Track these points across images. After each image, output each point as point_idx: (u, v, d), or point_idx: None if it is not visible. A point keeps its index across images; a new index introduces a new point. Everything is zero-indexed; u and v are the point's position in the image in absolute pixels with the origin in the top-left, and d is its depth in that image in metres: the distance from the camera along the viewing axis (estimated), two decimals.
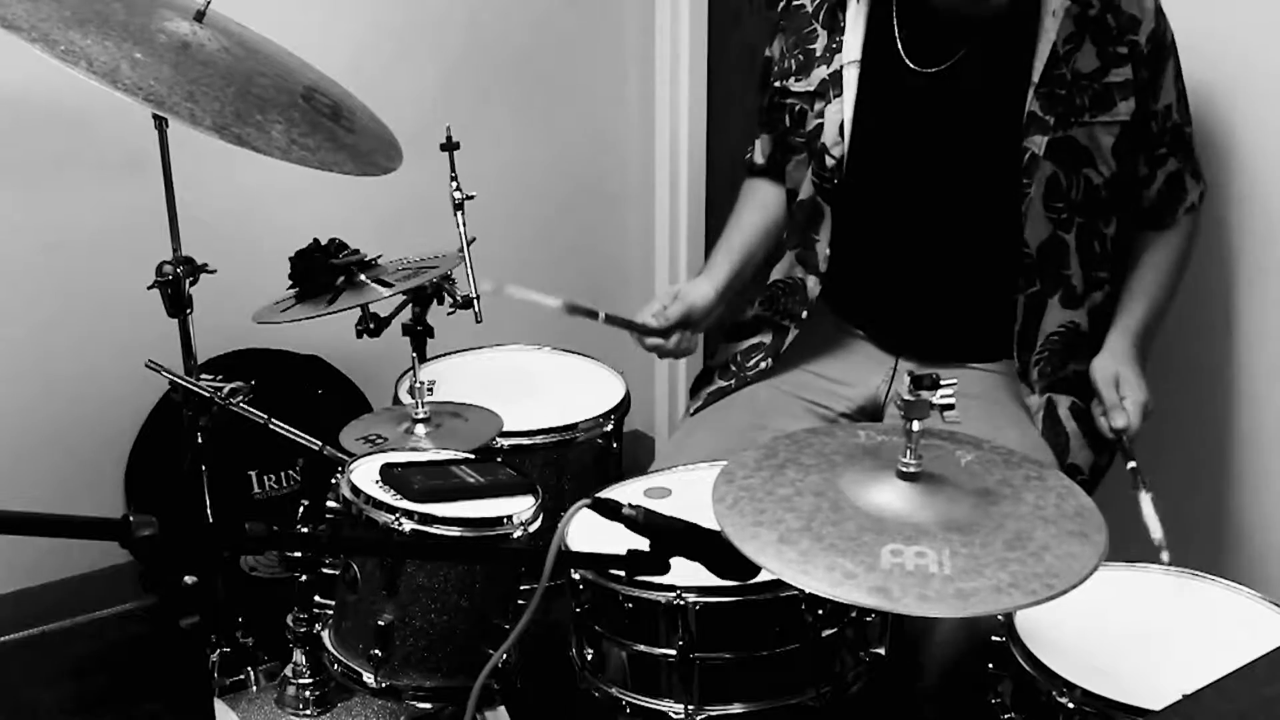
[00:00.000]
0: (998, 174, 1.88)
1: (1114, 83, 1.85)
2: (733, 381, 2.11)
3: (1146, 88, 1.87)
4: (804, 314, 2.07)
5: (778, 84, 2.06)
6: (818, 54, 1.99)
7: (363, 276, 1.92)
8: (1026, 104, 1.84)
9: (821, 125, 1.97)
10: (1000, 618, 1.58)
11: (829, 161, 1.97)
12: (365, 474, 1.72)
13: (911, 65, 1.91)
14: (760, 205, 2.19)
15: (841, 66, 1.95)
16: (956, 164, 1.91)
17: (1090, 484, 1.93)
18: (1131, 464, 1.79)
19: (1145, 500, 1.73)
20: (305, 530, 1.74)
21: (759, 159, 2.20)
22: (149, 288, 1.96)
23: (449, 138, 2.02)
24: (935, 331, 2.01)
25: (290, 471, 2.64)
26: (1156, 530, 1.70)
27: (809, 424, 2.01)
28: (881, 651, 1.66)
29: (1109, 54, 1.84)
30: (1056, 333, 1.93)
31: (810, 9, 2.02)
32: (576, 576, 1.64)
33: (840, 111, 1.95)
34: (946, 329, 2.00)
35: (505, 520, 1.65)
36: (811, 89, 1.99)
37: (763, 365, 2.09)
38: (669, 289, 2.09)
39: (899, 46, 1.92)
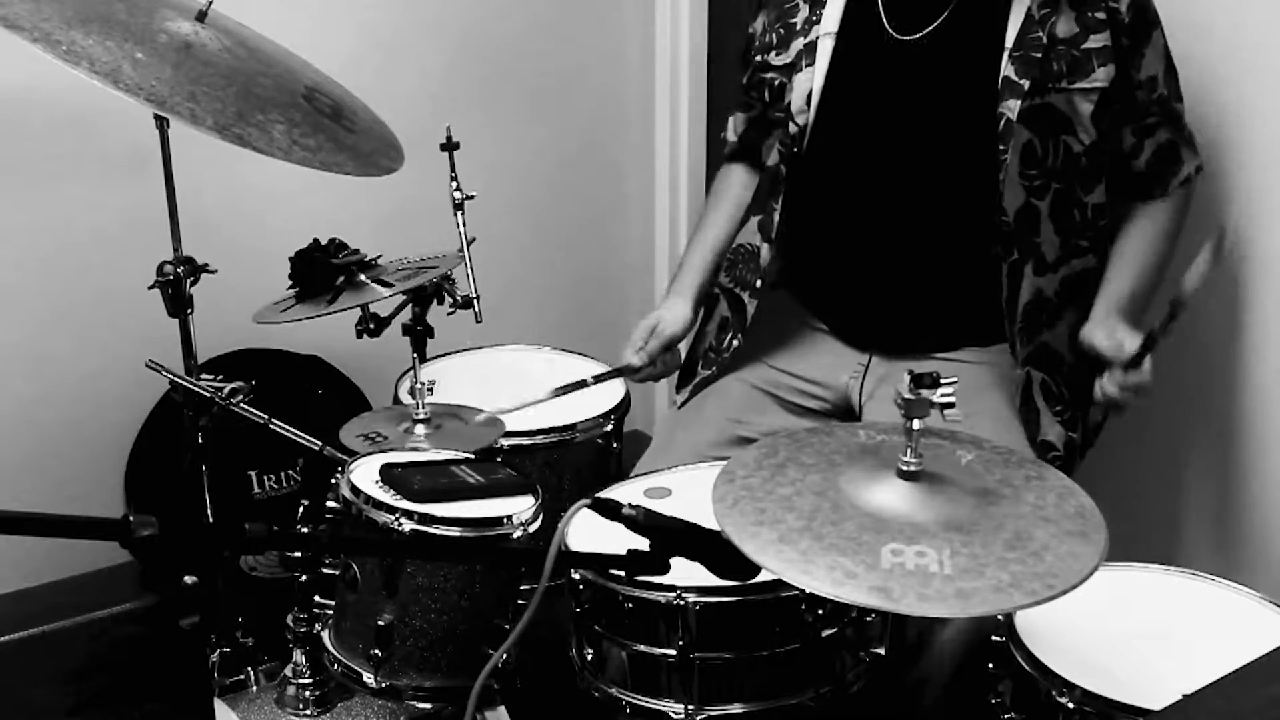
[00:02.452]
0: (972, 141, 1.87)
1: (1092, 49, 1.84)
2: (714, 369, 2.12)
3: (1128, 56, 1.85)
4: (757, 283, 2.08)
5: (759, 58, 2.07)
6: (798, 27, 2.00)
7: (363, 276, 1.92)
8: (1001, 69, 1.84)
9: (792, 97, 1.98)
10: (1000, 618, 1.58)
11: (792, 129, 1.98)
12: (365, 474, 1.72)
13: (892, 32, 1.91)
14: (730, 205, 2.19)
15: (818, 37, 1.96)
16: (930, 132, 1.90)
17: (1066, 462, 1.92)
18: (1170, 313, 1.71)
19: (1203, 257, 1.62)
20: (305, 530, 1.75)
21: (731, 137, 2.21)
22: (149, 288, 1.96)
23: (449, 138, 2.02)
24: (900, 318, 2.00)
25: (290, 471, 2.63)
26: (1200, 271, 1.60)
27: (784, 420, 2.03)
28: (881, 651, 1.66)
29: (1087, 19, 1.84)
30: (1031, 301, 1.92)
31: None
32: (576, 576, 1.64)
33: (810, 80, 1.96)
34: (911, 314, 1.99)
35: (505, 520, 1.65)
36: (789, 61, 2.00)
37: (735, 343, 2.10)
38: (644, 323, 2.12)
39: (881, 13, 1.92)
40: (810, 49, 1.96)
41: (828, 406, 2.06)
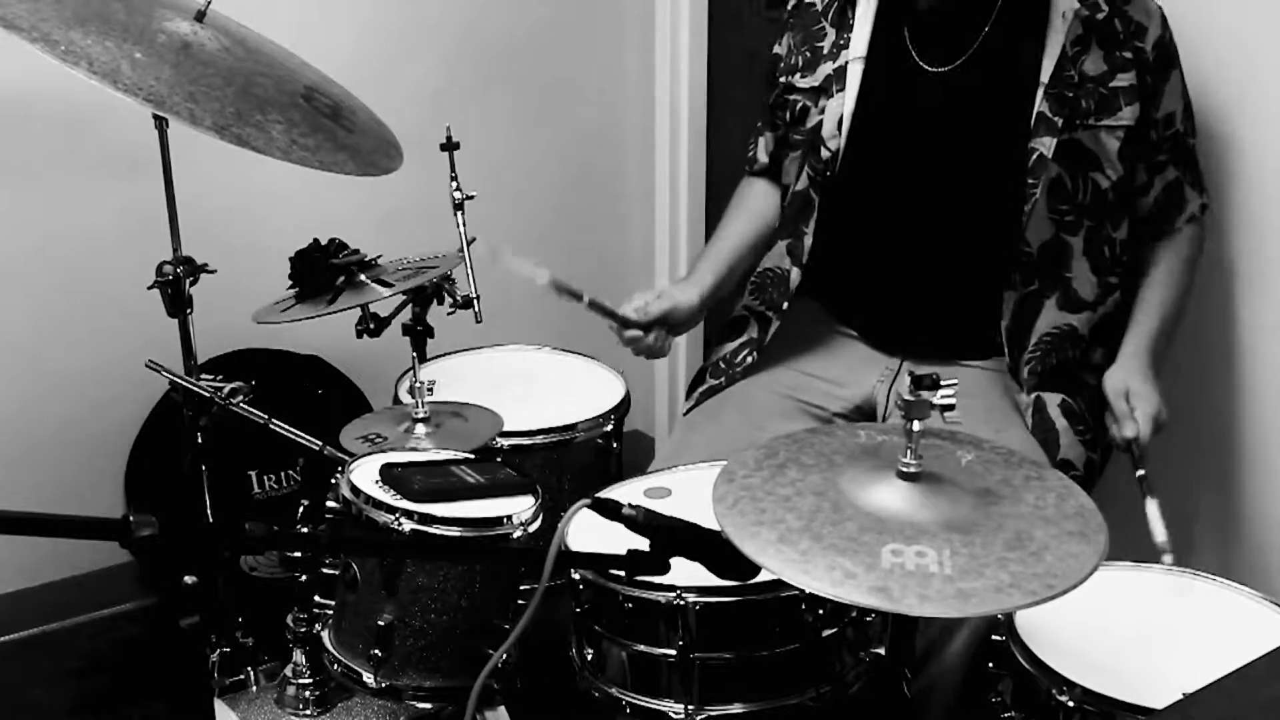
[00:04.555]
0: (1001, 174, 1.88)
1: (1119, 87, 1.86)
2: (723, 379, 2.11)
3: (1150, 95, 1.87)
4: (784, 305, 2.08)
5: (783, 80, 2.08)
6: (825, 51, 2.01)
7: (363, 276, 1.92)
8: (1035, 105, 1.85)
9: (822, 120, 1.99)
10: (1000, 617, 1.58)
11: (824, 154, 1.98)
12: (365, 474, 1.72)
13: (921, 64, 1.92)
14: (751, 213, 2.20)
15: (846, 62, 1.97)
16: (959, 162, 1.91)
17: (1086, 480, 1.93)
18: (1140, 473, 1.82)
19: (1152, 506, 1.76)
20: (305, 530, 1.74)
21: (761, 157, 2.21)
22: (149, 288, 1.96)
23: (449, 138, 2.02)
24: (928, 329, 2.01)
25: (290, 471, 2.63)
26: (1160, 534, 1.73)
27: (804, 425, 2.01)
28: (881, 651, 1.66)
29: (1115, 59, 1.85)
30: (1050, 334, 1.93)
31: (820, 7, 2.04)
32: (576, 576, 1.64)
33: (841, 106, 1.96)
34: (939, 326, 2.00)
35: (505, 520, 1.65)
36: (816, 84, 2.01)
37: (749, 360, 2.10)
38: (655, 289, 2.10)
39: (909, 45, 1.93)
40: (840, 74, 1.97)
41: (850, 408, 2.06)
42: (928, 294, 1.99)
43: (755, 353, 2.11)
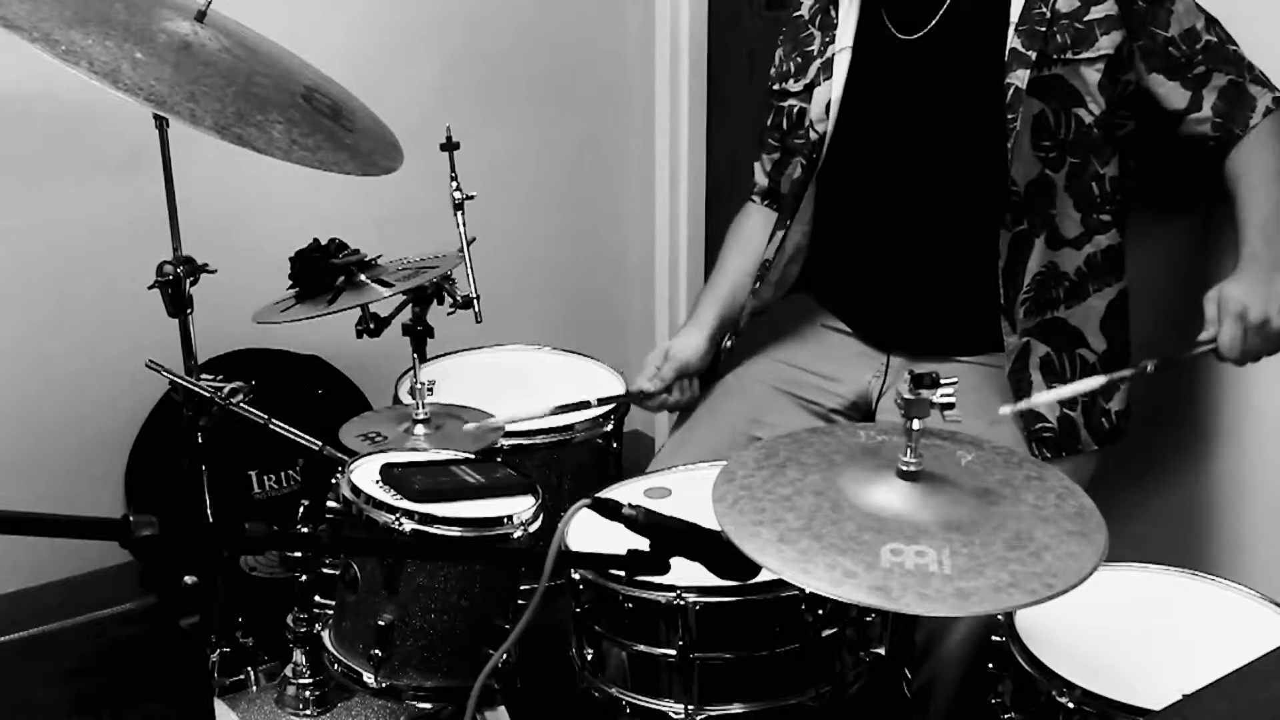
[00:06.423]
0: (983, 121, 1.87)
1: (1095, 19, 1.84)
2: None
3: (1146, 17, 1.84)
4: (756, 285, 2.09)
5: (776, 87, 2.10)
6: (814, 52, 2.03)
7: (363, 276, 1.92)
8: (1008, 43, 1.85)
9: (809, 108, 2.01)
10: (1000, 617, 1.58)
11: (813, 137, 2.00)
12: (365, 474, 1.72)
13: (898, 35, 1.94)
14: (748, 249, 2.20)
15: (834, 55, 1.99)
16: (941, 121, 1.92)
17: (1063, 439, 1.90)
18: (1146, 363, 1.66)
19: (1092, 381, 1.63)
20: (305, 530, 1.74)
21: (759, 179, 2.23)
22: (149, 288, 1.96)
23: (449, 138, 2.02)
24: (923, 321, 2.01)
25: (290, 471, 2.63)
26: (1048, 396, 1.66)
27: (802, 420, 2.03)
28: (881, 651, 1.66)
29: None
30: (1040, 273, 1.91)
31: (807, 16, 2.07)
32: (576, 576, 1.64)
33: (828, 92, 1.99)
34: (934, 316, 2.00)
35: (505, 520, 1.65)
36: (807, 82, 2.03)
37: (729, 344, 2.13)
38: (658, 349, 2.13)
39: (886, 21, 1.95)
40: (827, 65, 2.00)
41: (846, 404, 2.07)
42: (919, 278, 1.98)
43: (733, 335, 2.12)
